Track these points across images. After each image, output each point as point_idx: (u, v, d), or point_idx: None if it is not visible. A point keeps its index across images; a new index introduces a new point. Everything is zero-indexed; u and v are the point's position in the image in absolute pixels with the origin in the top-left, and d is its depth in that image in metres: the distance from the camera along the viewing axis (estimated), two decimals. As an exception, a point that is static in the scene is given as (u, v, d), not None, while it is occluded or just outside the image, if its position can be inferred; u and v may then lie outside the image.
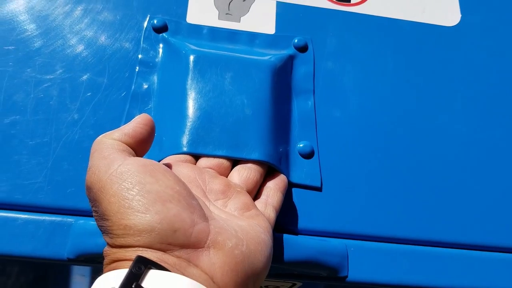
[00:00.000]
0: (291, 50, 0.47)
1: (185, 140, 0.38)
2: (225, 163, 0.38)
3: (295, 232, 0.40)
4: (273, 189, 0.38)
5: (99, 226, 0.29)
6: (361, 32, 0.49)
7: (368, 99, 0.46)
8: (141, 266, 0.25)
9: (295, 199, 0.41)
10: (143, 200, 0.27)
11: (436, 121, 0.46)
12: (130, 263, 0.25)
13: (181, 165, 0.36)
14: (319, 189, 0.41)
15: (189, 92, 0.40)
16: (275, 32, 0.48)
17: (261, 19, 0.48)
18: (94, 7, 0.46)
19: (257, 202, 0.36)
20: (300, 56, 0.47)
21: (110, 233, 0.28)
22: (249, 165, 0.38)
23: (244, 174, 0.37)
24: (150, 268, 0.25)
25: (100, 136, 0.31)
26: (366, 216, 0.41)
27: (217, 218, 0.31)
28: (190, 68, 0.41)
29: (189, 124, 0.38)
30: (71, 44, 0.44)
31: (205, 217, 0.29)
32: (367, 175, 0.42)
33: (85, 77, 0.43)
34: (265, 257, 0.31)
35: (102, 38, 0.45)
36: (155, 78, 0.43)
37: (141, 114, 0.33)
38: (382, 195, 0.42)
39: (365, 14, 0.50)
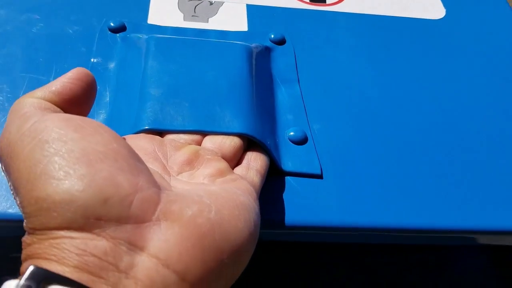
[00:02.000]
0: (268, 44, 0.42)
1: (147, 116, 0.30)
2: (195, 137, 0.30)
3: (296, 229, 0.31)
4: (255, 153, 0.30)
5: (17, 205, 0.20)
6: (340, 27, 0.45)
7: (354, 89, 0.40)
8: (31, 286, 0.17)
9: (292, 190, 0.32)
10: (61, 161, 0.19)
11: (426, 107, 0.40)
12: (44, 263, 0.18)
13: (135, 137, 0.28)
14: (319, 176, 0.33)
15: (151, 71, 0.33)
16: (248, 30, 0.43)
17: (231, 19, 0.44)
18: (47, 15, 0.41)
19: (237, 169, 0.29)
20: (278, 49, 0.41)
21: (23, 213, 0.19)
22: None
23: (218, 139, 0.29)
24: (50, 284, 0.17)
25: (22, 96, 0.24)
26: (374, 206, 0.32)
27: (175, 190, 0.23)
28: (151, 52, 0.35)
29: (152, 99, 0.31)
30: (20, 54, 0.38)
31: (155, 184, 0.21)
32: (368, 162, 0.35)
33: (26, 77, 0.36)
34: (245, 224, 0.22)
35: (54, 45, 0.39)
36: (110, 74, 0.37)
37: (75, 68, 0.25)
38: (384, 184, 0.34)
39: (343, 12, 0.46)
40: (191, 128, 0.30)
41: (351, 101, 0.39)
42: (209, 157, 0.28)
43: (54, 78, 0.35)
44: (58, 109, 0.23)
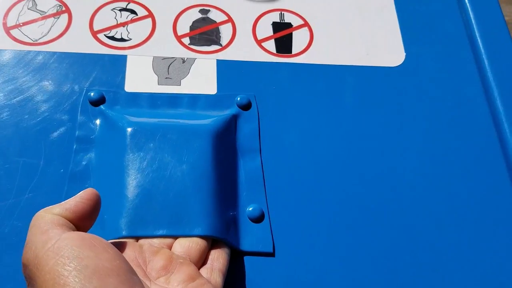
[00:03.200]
0: (234, 109, 0.46)
1: (124, 222, 0.36)
2: (167, 241, 0.36)
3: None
4: (217, 251, 0.37)
5: None
6: (305, 82, 0.49)
7: (317, 153, 0.45)
8: None
9: (248, 267, 0.39)
10: (79, 275, 0.25)
11: (391, 166, 0.45)
12: None
13: (120, 244, 0.34)
14: (271, 254, 0.40)
15: (128, 169, 0.39)
16: (217, 92, 0.47)
17: (202, 80, 0.48)
18: (28, 85, 0.45)
19: (202, 270, 0.35)
20: (243, 114, 0.46)
21: None
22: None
23: (186, 243, 0.36)
24: None
25: (40, 211, 0.30)
26: (323, 282, 0.39)
27: None
28: (127, 142, 0.40)
29: (127, 204, 0.37)
30: (4, 126, 0.43)
31: None
32: (322, 235, 0.41)
33: (20, 161, 0.41)
34: None
35: (39, 116, 0.44)
36: (93, 155, 0.42)
37: (86, 189, 0.32)
38: (339, 256, 0.40)
39: (307, 64, 0.50)
40: (162, 234, 0.36)
41: (309, 170, 0.44)
42: (181, 261, 0.34)
43: (44, 160, 0.41)
44: (72, 225, 0.30)
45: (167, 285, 0.32)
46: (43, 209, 0.30)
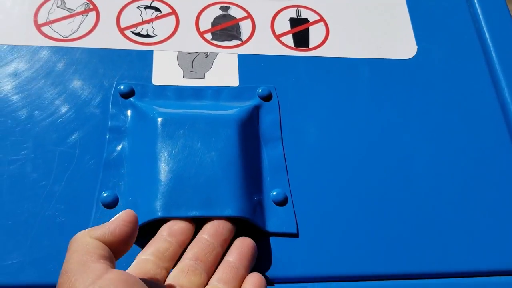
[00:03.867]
0: (256, 101, 0.48)
1: (158, 204, 0.39)
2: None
3: (276, 281, 0.40)
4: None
5: None
6: (322, 75, 0.51)
7: (334, 141, 0.47)
8: None
9: (273, 247, 0.41)
10: None
11: (404, 155, 0.47)
12: None
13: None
14: (295, 235, 0.42)
15: (160, 155, 0.41)
16: (239, 84, 0.49)
17: (224, 73, 0.50)
18: (61, 79, 0.48)
19: None
20: (265, 105, 0.48)
21: None
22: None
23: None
24: None
25: (81, 232, 0.30)
26: (345, 257, 0.42)
27: None
28: (159, 131, 0.42)
29: (161, 187, 0.39)
30: (41, 119, 0.45)
31: None
32: (342, 217, 0.44)
33: (57, 150, 0.44)
34: None
35: (72, 109, 0.46)
36: (125, 143, 0.44)
37: (125, 210, 0.32)
38: (359, 235, 0.43)
39: (324, 57, 0.52)
40: (195, 215, 0.39)
41: (328, 157, 0.46)
42: None
43: (80, 149, 0.43)
44: (111, 254, 0.30)
45: None
46: (83, 231, 0.30)
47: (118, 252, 0.31)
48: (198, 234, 0.39)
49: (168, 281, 0.35)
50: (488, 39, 0.56)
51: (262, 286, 0.36)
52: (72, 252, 0.29)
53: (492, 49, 0.56)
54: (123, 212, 0.32)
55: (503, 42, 0.56)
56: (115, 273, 0.28)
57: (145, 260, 0.35)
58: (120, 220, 0.31)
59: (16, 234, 0.40)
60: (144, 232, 0.39)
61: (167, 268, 0.36)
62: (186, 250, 0.38)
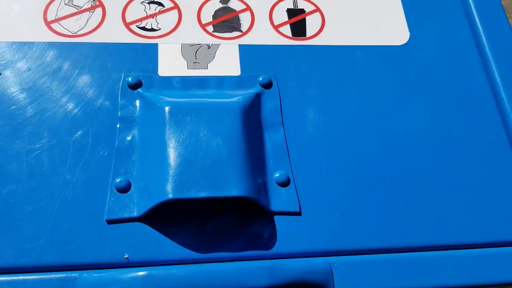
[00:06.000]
0: (257, 88, 0.51)
1: (169, 187, 0.41)
2: None
3: (280, 257, 0.43)
4: None
5: None
6: (319, 62, 0.54)
7: (333, 124, 0.50)
8: None
9: (278, 225, 0.44)
10: None
11: (400, 135, 0.50)
12: None
13: None
14: (298, 213, 0.45)
15: (168, 142, 0.44)
16: (241, 73, 0.52)
17: (226, 63, 0.53)
18: (72, 73, 0.50)
19: None
20: (266, 93, 0.51)
21: None
22: None
23: None
24: None
25: None
26: (345, 233, 0.44)
27: None
28: (166, 119, 0.45)
29: (171, 171, 0.42)
30: (55, 111, 0.48)
31: None
32: (343, 195, 0.46)
33: (71, 140, 0.46)
34: None
35: (83, 101, 0.49)
36: (135, 132, 0.47)
37: None
38: (358, 211, 0.46)
39: (320, 45, 0.55)
40: (204, 195, 0.41)
41: (326, 139, 0.49)
42: None
43: (92, 138, 0.46)
44: None
45: None
46: None
47: None
48: None
49: None
50: (479, 24, 0.58)
51: None
52: None
53: (482, 33, 0.58)
54: None
55: (493, 27, 0.59)
56: None
57: None
58: None
59: (37, 219, 0.42)
60: (156, 216, 0.41)
61: None
62: None
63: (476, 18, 0.59)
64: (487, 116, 0.52)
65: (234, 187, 0.42)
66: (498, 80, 0.55)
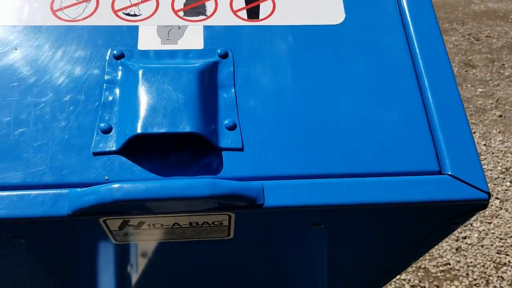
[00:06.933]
0: (215, 58, 0.64)
1: (138, 125, 0.55)
2: None
3: (228, 178, 0.56)
4: None
5: None
6: (267, 38, 0.67)
7: (275, 86, 0.63)
8: None
9: (224, 159, 0.57)
10: None
11: (331, 92, 0.62)
12: None
13: None
14: (241, 149, 0.58)
15: (140, 95, 0.57)
16: (204, 47, 0.65)
17: (193, 40, 0.66)
18: (70, 48, 0.64)
19: None
20: (222, 62, 0.64)
21: None
22: None
23: None
24: None
25: None
26: (276, 164, 0.57)
27: None
28: (140, 79, 0.58)
29: (140, 115, 0.55)
30: (57, 76, 0.62)
31: None
32: (276, 136, 0.59)
33: (68, 97, 0.60)
34: None
35: (78, 69, 0.63)
36: (117, 90, 0.61)
37: None
38: (288, 148, 0.58)
39: (269, 25, 0.68)
40: (164, 131, 0.54)
41: (271, 97, 0.62)
42: None
43: (85, 95, 0.60)
44: None
45: None
46: None
47: None
48: None
49: None
50: (405, 6, 0.71)
51: None
52: None
53: (408, 16, 0.70)
54: None
55: (419, 11, 0.71)
56: None
57: None
58: None
59: (40, 152, 0.56)
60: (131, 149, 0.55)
61: None
62: None
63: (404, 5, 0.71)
64: (404, 74, 0.64)
65: (188, 125, 0.55)
66: (417, 50, 0.67)
